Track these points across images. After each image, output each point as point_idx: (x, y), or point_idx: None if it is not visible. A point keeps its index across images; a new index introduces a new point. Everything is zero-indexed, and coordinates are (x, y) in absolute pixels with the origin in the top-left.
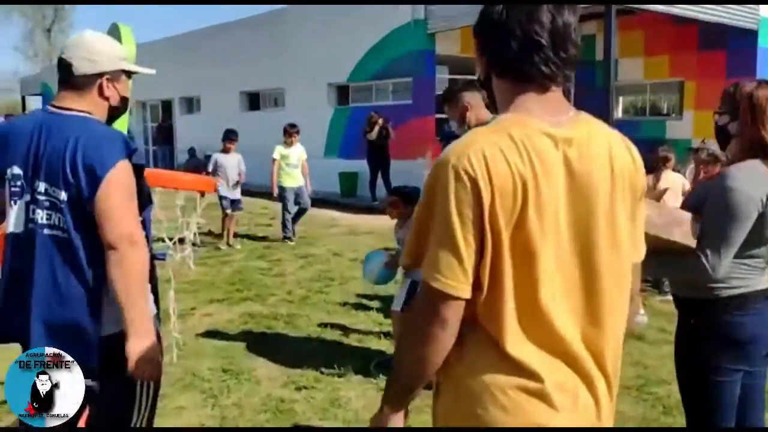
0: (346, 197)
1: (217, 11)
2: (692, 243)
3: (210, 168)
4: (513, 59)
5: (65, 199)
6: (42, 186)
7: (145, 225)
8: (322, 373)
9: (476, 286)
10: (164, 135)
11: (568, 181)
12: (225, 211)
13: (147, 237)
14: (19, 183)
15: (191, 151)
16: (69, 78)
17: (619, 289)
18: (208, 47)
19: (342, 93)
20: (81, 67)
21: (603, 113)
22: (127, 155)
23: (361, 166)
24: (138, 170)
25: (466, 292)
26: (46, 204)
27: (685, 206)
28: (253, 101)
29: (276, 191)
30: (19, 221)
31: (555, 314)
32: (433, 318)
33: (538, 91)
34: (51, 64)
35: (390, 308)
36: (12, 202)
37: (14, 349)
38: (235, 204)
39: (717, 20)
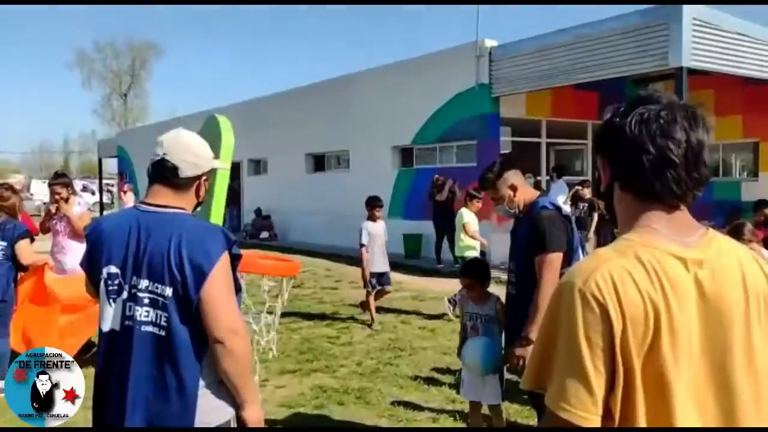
0: (410, 258)
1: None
2: None
3: (363, 239)
4: (643, 176)
5: (170, 295)
6: (143, 283)
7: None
8: None
9: (606, 416)
10: (232, 196)
11: (700, 305)
12: (371, 288)
13: None
14: (117, 281)
15: (257, 211)
16: (172, 178)
17: (758, 415)
18: (276, 111)
19: (406, 155)
20: (186, 170)
21: None
22: (228, 248)
23: (424, 227)
24: (235, 260)
25: (596, 423)
26: (146, 301)
27: None
28: (319, 163)
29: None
30: (116, 319)
31: None
32: None
33: (666, 209)
34: (126, 128)
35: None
36: (110, 301)
37: None
38: (384, 278)
39: None
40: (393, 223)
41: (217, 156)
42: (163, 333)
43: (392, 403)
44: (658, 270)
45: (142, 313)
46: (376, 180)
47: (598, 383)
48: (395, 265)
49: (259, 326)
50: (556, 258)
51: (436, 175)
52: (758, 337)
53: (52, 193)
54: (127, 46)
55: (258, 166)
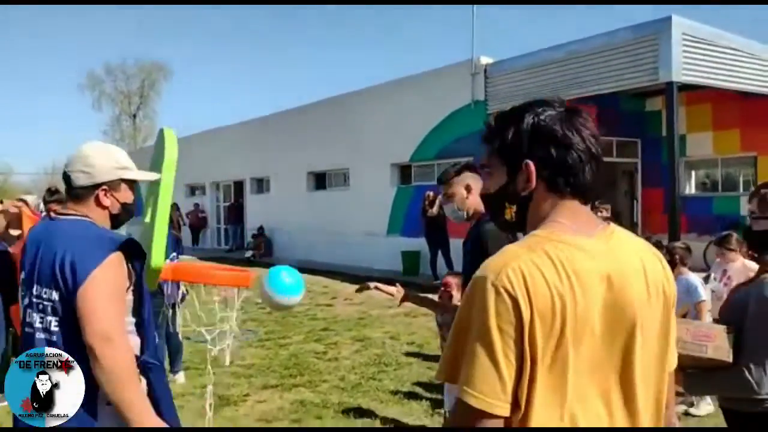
0: (408, 275)
1: (287, 98)
2: (725, 357)
3: None
4: (573, 173)
5: (57, 299)
6: (37, 289)
7: (144, 322)
8: None
9: (514, 403)
10: (235, 214)
11: (605, 294)
12: None
13: (145, 335)
14: (23, 290)
15: (260, 230)
16: (70, 189)
17: (655, 401)
18: (278, 130)
19: (404, 172)
20: (78, 180)
21: (672, 189)
22: (119, 251)
23: (423, 244)
24: (136, 266)
25: (506, 410)
26: (40, 307)
27: (722, 313)
28: (320, 181)
29: None
30: (22, 326)
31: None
32: None
33: (574, 205)
34: (136, 148)
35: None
36: (21, 309)
37: None
38: None
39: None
40: (392, 241)
41: (159, 169)
42: (54, 338)
43: (370, 417)
44: (564, 263)
45: (37, 319)
46: (376, 197)
47: (509, 372)
48: (392, 282)
49: (212, 336)
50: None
51: (428, 192)
52: (656, 326)
53: (48, 210)
54: (136, 68)
55: (261, 185)
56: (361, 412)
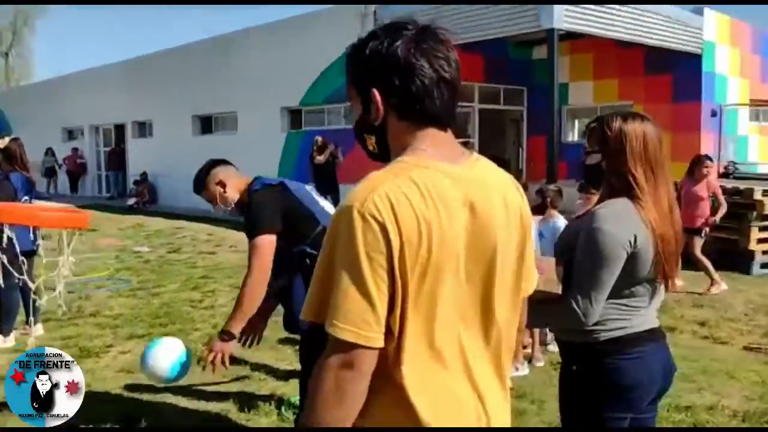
0: None
1: (171, 35)
2: (555, 289)
3: None
4: (422, 99)
5: None
6: None
7: None
8: (228, 416)
9: (388, 334)
10: (116, 159)
11: (469, 223)
12: None
13: None
14: None
15: (143, 176)
16: None
17: (511, 325)
18: (161, 71)
19: (295, 117)
20: None
21: (550, 136)
22: None
23: None
24: None
25: (380, 341)
26: None
27: (556, 246)
28: (206, 125)
29: None
30: None
31: (450, 357)
32: (347, 373)
33: (436, 132)
34: (8, 88)
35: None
36: None
37: None
38: None
39: (661, 44)
40: None
41: None
42: None
43: (241, 363)
44: (431, 189)
45: None
46: (265, 143)
47: (381, 302)
48: None
49: (36, 284)
50: (261, 240)
51: (317, 137)
52: (515, 252)
53: None
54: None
55: (143, 129)
56: (231, 359)
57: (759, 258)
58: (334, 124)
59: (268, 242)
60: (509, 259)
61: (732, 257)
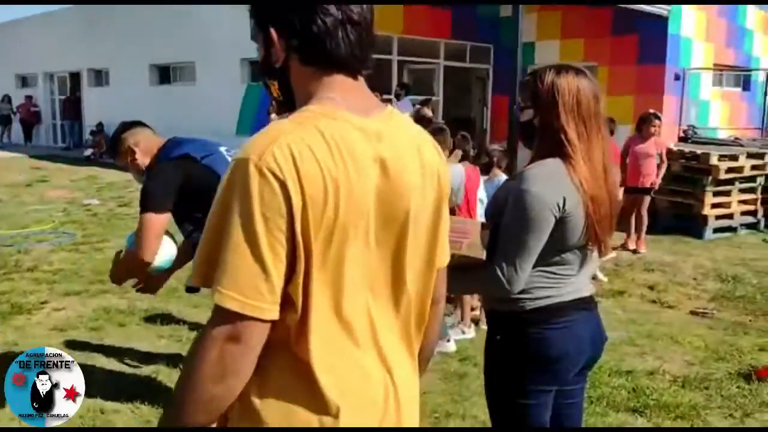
0: None
1: None
2: (479, 254)
3: None
4: (327, 41)
5: None
6: None
7: None
8: (158, 379)
9: (287, 305)
10: (72, 108)
11: (379, 181)
12: None
13: None
14: None
15: (99, 126)
16: None
17: (422, 295)
18: (118, 17)
19: (256, 68)
20: None
21: (512, 96)
22: None
23: None
24: None
25: (274, 313)
26: None
27: (487, 209)
28: (164, 75)
29: None
30: None
31: (360, 327)
32: (232, 346)
33: (344, 78)
34: None
35: None
36: None
37: None
38: None
39: (628, 4)
40: (240, 141)
41: None
42: None
43: (179, 323)
44: (339, 143)
45: None
46: (224, 94)
47: (276, 269)
48: None
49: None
50: (149, 219)
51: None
52: (429, 216)
53: None
54: None
55: (99, 77)
56: (169, 318)
57: (712, 223)
58: None
59: (156, 221)
60: (423, 225)
61: (686, 221)
